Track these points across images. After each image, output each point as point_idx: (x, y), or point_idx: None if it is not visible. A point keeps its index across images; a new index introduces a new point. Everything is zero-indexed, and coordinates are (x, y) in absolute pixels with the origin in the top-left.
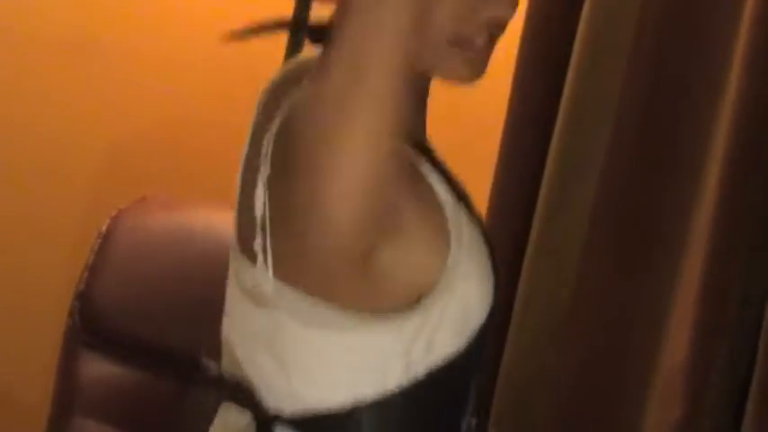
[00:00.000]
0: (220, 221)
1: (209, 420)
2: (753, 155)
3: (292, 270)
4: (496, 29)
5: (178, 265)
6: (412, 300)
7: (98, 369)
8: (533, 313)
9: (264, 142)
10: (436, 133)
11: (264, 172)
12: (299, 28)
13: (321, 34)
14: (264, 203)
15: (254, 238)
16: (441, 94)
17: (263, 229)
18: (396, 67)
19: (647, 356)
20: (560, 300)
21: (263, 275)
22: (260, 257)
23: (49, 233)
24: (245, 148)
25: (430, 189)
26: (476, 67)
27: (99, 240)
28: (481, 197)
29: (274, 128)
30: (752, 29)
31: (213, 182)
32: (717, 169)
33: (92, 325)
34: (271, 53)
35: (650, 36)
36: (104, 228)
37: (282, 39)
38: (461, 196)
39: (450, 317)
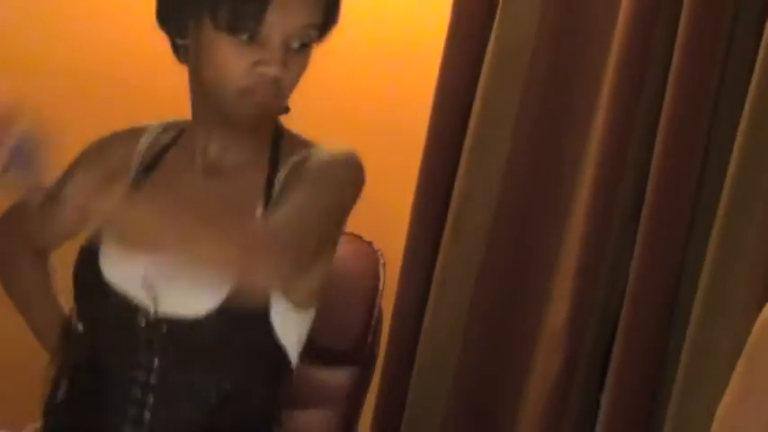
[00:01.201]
0: None
1: None
2: (619, 163)
3: None
4: (271, 83)
5: None
6: None
7: None
8: (448, 289)
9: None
10: (362, 142)
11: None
12: None
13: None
14: None
15: None
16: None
17: None
18: None
19: (535, 320)
20: (468, 279)
21: None
22: None
23: None
24: None
25: None
26: (258, 114)
27: None
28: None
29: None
30: (619, 59)
31: None
32: (591, 172)
33: None
34: None
35: (542, 67)
36: None
37: None
38: None
39: None
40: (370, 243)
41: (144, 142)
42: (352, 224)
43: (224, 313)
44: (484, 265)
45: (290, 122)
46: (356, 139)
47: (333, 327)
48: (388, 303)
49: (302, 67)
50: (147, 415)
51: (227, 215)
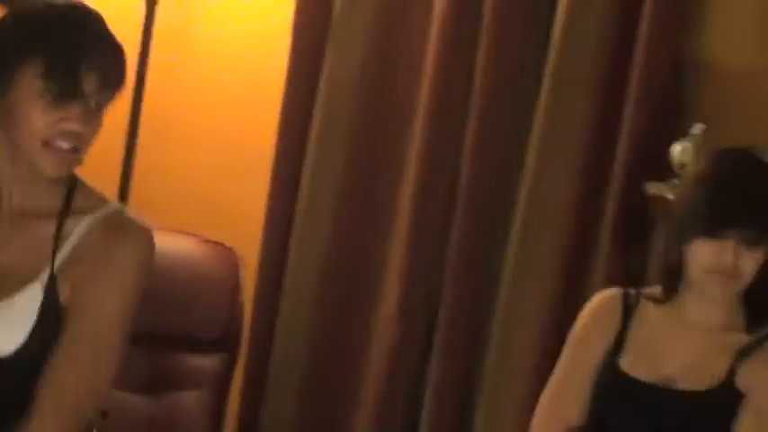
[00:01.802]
0: None
1: None
2: (432, 175)
3: None
4: (72, 138)
5: None
6: None
7: None
8: (298, 285)
9: None
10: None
11: None
12: None
13: None
14: None
15: None
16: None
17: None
18: None
19: (372, 306)
20: (313, 277)
21: None
22: None
23: None
24: None
25: None
26: (61, 165)
27: None
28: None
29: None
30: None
31: None
32: (410, 182)
33: None
34: None
35: (368, 93)
36: None
37: None
38: None
39: None
40: (231, 248)
41: None
42: (216, 234)
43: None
44: (326, 266)
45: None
46: (219, 164)
47: (202, 320)
48: (248, 298)
49: (99, 123)
50: None
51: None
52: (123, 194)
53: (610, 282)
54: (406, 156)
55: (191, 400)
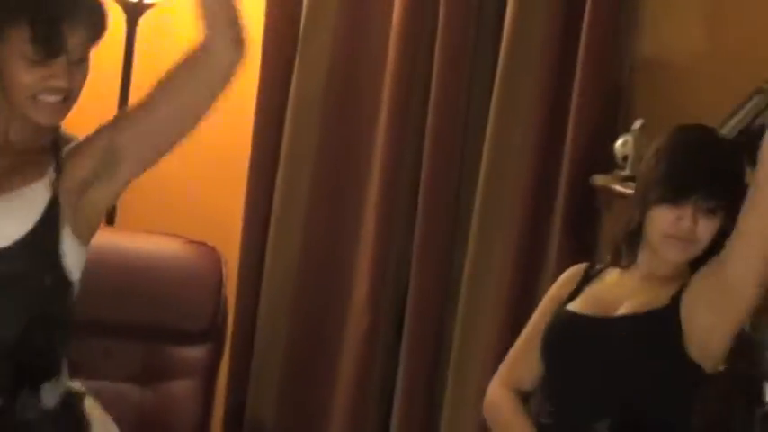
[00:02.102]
0: None
1: None
2: (396, 174)
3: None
4: (59, 92)
5: None
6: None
7: None
8: (276, 280)
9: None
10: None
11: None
12: None
13: None
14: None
15: None
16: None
17: None
18: None
19: (345, 294)
20: (290, 273)
21: None
22: None
23: None
24: None
25: None
26: (52, 115)
27: None
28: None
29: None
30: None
31: None
32: (376, 181)
33: None
34: None
35: (333, 103)
36: None
37: None
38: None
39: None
40: (213, 247)
41: None
42: (198, 234)
43: (25, 245)
44: (301, 262)
45: None
46: (201, 172)
47: (190, 314)
48: (231, 293)
49: (85, 74)
50: None
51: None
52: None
53: (561, 269)
54: (371, 160)
55: (181, 389)
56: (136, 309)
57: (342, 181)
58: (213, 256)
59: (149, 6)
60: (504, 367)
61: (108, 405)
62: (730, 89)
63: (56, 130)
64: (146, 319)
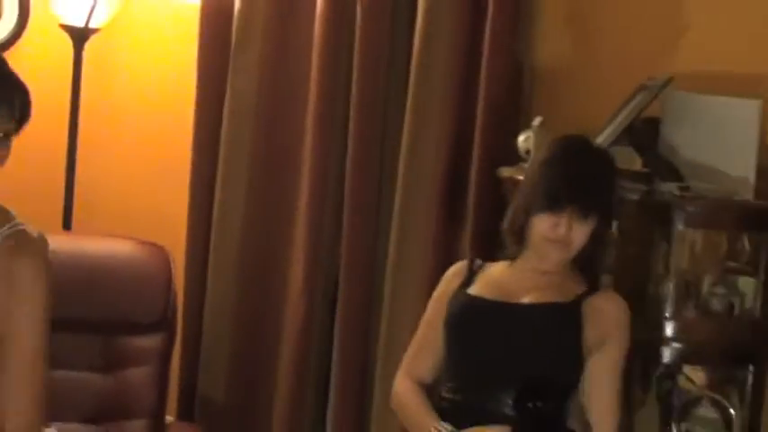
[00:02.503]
0: None
1: None
2: (324, 169)
3: None
4: None
5: None
6: None
7: None
8: (219, 275)
9: None
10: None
11: None
12: None
13: None
14: None
15: None
16: None
17: None
18: None
19: (283, 280)
20: (231, 268)
21: None
22: None
23: None
24: None
25: None
26: None
27: None
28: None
29: None
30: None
31: None
32: (307, 174)
33: None
34: None
35: (265, 104)
36: None
37: None
38: None
39: None
40: (162, 247)
41: None
42: (148, 235)
43: None
44: (241, 257)
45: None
46: (148, 179)
47: (142, 307)
48: (179, 287)
49: (8, 150)
50: None
51: None
52: (68, 212)
53: (474, 253)
54: (301, 163)
55: (139, 375)
56: (94, 305)
57: (275, 183)
58: (162, 255)
59: (94, 31)
60: (406, 361)
61: (72, 392)
62: (616, 88)
63: None
64: (103, 314)
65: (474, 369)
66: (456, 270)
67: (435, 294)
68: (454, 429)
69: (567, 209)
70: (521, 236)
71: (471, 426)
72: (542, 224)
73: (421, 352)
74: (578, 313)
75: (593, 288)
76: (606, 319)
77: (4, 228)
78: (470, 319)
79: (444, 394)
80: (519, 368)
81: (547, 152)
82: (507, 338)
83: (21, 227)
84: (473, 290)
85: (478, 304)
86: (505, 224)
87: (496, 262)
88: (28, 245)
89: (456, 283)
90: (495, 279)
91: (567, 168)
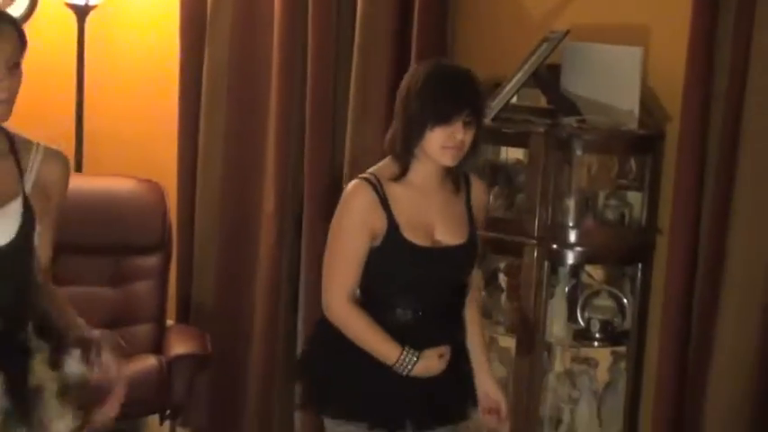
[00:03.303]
0: None
1: None
2: (287, 129)
3: None
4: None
5: None
6: None
7: None
8: (205, 206)
9: None
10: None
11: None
12: None
13: None
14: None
15: None
16: None
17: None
18: None
19: (258, 211)
20: (215, 198)
21: None
22: None
23: None
24: None
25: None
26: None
27: None
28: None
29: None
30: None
31: None
32: (273, 132)
33: None
34: None
35: (235, 76)
36: None
37: None
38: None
39: None
40: (157, 183)
41: None
42: (146, 173)
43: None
44: (222, 188)
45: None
46: (146, 127)
47: (143, 233)
48: (173, 215)
49: (19, 79)
50: None
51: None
52: (78, 157)
53: None
54: (268, 110)
55: (142, 288)
56: (104, 233)
57: (247, 128)
58: (158, 190)
59: (93, 8)
60: (337, 282)
61: (89, 304)
62: (524, 37)
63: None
64: (112, 240)
65: (427, 298)
66: (369, 201)
67: (356, 223)
68: (416, 352)
69: (458, 119)
70: (411, 153)
71: (422, 338)
72: (439, 136)
73: (350, 275)
74: (473, 247)
75: (466, 180)
76: (481, 205)
77: (39, 146)
78: (424, 262)
79: (399, 315)
80: (454, 286)
81: (425, 74)
82: (450, 269)
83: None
84: (407, 234)
85: (425, 253)
86: (397, 148)
87: (389, 181)
88: (61, 154)
89: (377, 216)
90: (411, 213)
91: (450, 86)
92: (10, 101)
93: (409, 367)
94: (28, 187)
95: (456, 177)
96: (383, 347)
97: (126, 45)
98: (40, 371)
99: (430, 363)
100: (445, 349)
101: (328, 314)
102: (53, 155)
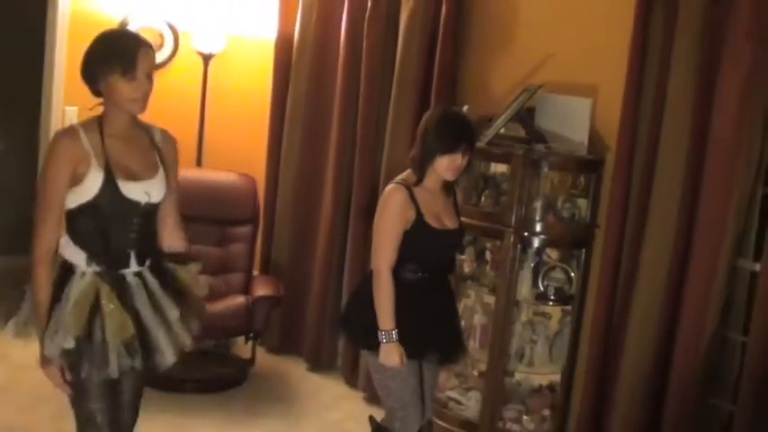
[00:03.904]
0: None
1: None
2: (348, 108)
3: None
4: (141, 93)
5: None
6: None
7: None
8: (284, 198)
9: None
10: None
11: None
12: None
13: None
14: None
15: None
16: None
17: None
18: None
19: (319, 203)
20: (289, 190)
21: None
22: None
23: None
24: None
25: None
26: (141, 108)
27: None
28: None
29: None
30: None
31: None
32: (337, 117)
33: None
34: None
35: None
36: None
37: None
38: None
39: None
40: (251, 176)
41: (83, 137)
42: (243, 169)
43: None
44: (297, 184)
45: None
46: (244, 133)
47: (240, 210)
48: (261, 198)
49: (152, 86)
50: (136, 239)
51: (151, 160)
52: (199, 156)
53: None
54: (331, 125)
55: (238, 248)
56: (214, 209)
57: (316, 139)
58: (252, 181)
59: (214, 55)
60: (386, 257)
61: (203, 258)
62: (509, 87)
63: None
64: (220, 214)
65: (437, 265)
66: (405, 200)
67: (395, 216)
68: (396, 337)
69: (461, 149)
70: (425, 169)
71: (424, 292)
72: (446, 161)
73: (393, 250)
74: (459, 215)
75: (453, 193)
76: (461, 204)
77: (156, 129)
78: (431, 242)
79: (408, 274)
80: (449, 258)
81: (438, 117)
82: (449, 246)
83: (162, 128)
84: (428, 219)
85: (439, 233)
86: (416, 165)
87: (413, 186)
88: (170, 134)
89: (411, 211)
90: (428, 209)
91: (457, 125)
92: (146, 100)
93: (384, 340)
94: (160, 160)
95: (449, 186)
96: (387, 315)
97: (235, 80)
98: (185, 278)
99: (391, 353)
100: (406, 361)
101: (376, 275)
102: (168, 136)
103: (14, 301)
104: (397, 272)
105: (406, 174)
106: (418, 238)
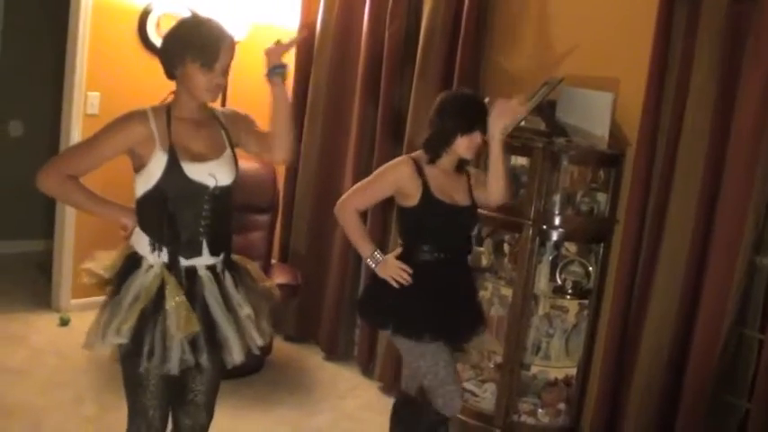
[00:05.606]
0: None
1: None
2: (370, 94)
3: None
4: (218, 87)
5: None
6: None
7: None
8: (304, 183)
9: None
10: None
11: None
12: None
13: None
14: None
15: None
16: None
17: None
18: None
19: (337, 191)
20: (311, 176)
21: None
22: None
23: None
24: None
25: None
26: (213, 97)
27: None
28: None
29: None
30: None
31: None
32: (357, 107)
33: None
34: None
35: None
36: None
37: None
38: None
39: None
40: (271, 166)
41: (151, 119)
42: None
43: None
44: (317, 171)
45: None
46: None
47: (261, 197)
48: (281, 188)
49: (227, 77)
50: (208, 226)
51: (218, 141)
52: None
53: None
54: (352, 117)
55: (257, 236)
56: (236, 197)
57: (336, 130)
58: (272, 171)
59: (237, 43)
60: (357, 195)
61: None
62: (531, 80)
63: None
64: (240, 202)
65: (449, 242)
66: (411, 171)
67: (390, 177)
68: (382, 256)
69: (479, 130)
70: (442, 151)
71: (441, 274)
72: (466, 141)
73: (367, 198)
74: (475, 208)
75: (466, 172)
76: (481, 179)
77: (218, 110)
78: (440, 215)
79: (425, 255)
80: (464, 236)
81: (455, 98)
82: (462, 224)
83: (223, 109)
84: (439, 195)
85: (449, 209)
86: (435, 148)
87: (423, 162)
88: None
89: (414, 183)
90: (437, 183)
91: (475, 104)
92: (219, 92)
93: (373, 264)
94: (227, 140)
95: (461, 165)
96: (362, 242)
97: (258, 69)
98: (253, 269)
99: (387, 268)
100: (405, 274)
101: (340, 208)
102: (228, 109)
103: (34, 284)
104: (413, 253)
105: (418, 153)
106: (429, 214)
